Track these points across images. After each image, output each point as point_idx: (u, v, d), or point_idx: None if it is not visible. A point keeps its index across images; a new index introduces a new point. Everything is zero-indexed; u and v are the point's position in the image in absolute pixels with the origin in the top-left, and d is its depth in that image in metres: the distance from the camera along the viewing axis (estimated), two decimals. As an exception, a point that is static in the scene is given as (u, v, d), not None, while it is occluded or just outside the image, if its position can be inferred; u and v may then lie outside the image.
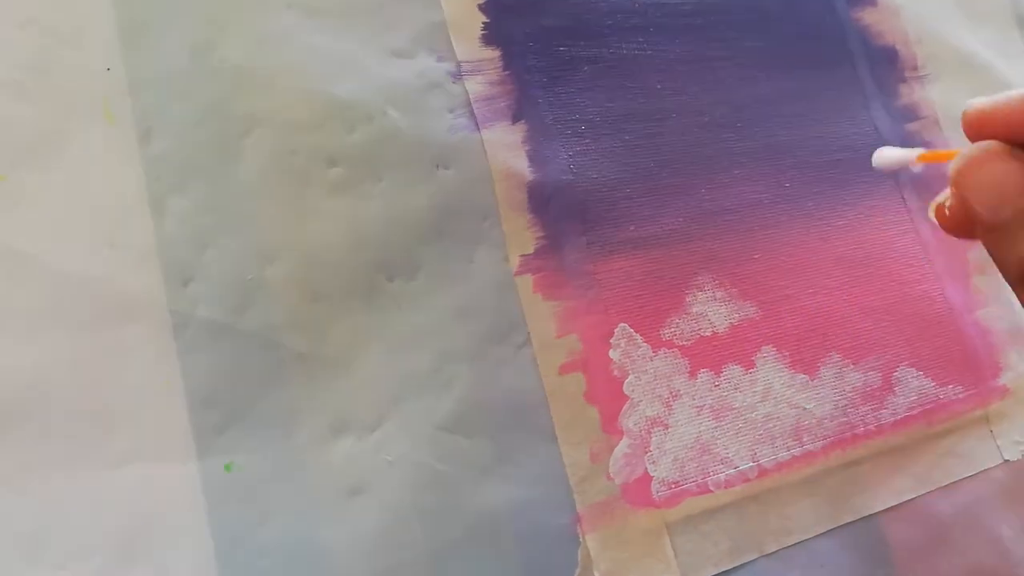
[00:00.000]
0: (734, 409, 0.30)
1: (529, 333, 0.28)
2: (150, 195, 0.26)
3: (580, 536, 0.27)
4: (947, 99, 0.39)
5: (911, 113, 0.38)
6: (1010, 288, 0.19)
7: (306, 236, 0.27)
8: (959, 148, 0.27)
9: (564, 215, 0.30)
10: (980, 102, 0.18)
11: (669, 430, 0.29)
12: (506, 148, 0.30)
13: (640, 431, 0.29)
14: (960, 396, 0.33)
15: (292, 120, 0.28)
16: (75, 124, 0.25)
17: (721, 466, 0.29)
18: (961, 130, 0.38)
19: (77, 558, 0.23)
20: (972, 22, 0.41)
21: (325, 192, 0.27)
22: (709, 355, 0.30)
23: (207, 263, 0.26)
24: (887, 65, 0.38)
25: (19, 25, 0.25)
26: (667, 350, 0.30)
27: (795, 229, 0.33)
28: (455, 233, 0.29)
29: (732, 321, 0.31)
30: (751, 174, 0.33)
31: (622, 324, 0.29)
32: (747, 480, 0.29)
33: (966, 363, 0.34)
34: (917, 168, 0.28)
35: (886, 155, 0.28)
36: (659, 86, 0.33)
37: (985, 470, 0.33)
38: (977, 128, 0.17)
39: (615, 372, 0.29)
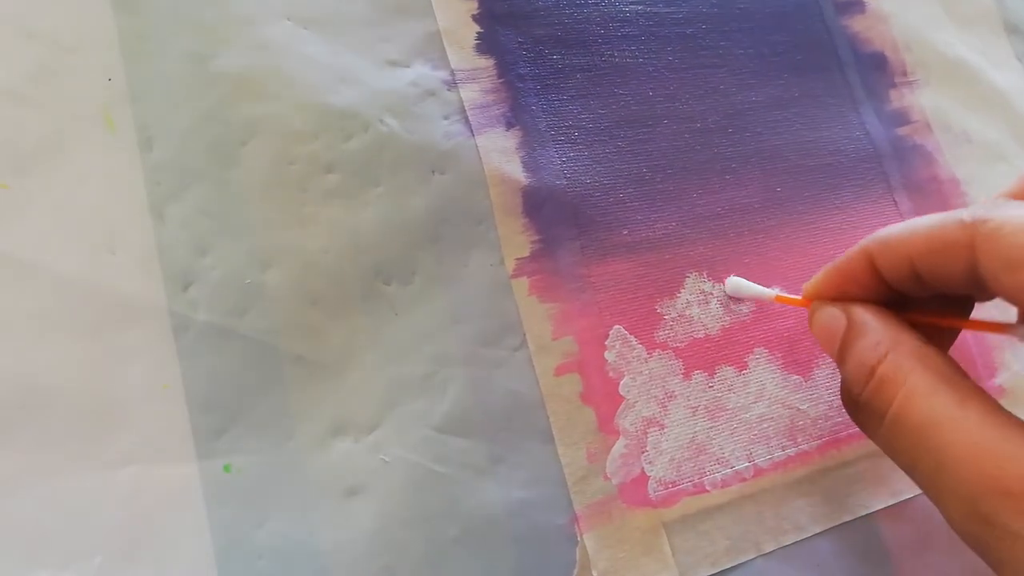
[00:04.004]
0: (728, 410, 0.30)
1: (525, 335, 0.29)
2: (150, 201, 0.26)
3: (578, 536, 0.27)
4: (937, 104, 0.39)
5: (902, 118, 0.38)
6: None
7: (304, 241, 0.27)
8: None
9: (558, 219, 0.30)
10: (810, 282, 0.26)
11: (665, 430, 0.29)
12: (500, 154, 0.30)
13: (636, 431, 0.29)
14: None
15: (290, 129, 0.28)
16: (76, 132, 0.26)
17: (717, 466, 0.29)
18: (952, 134, 0.38)
19: (78, 558, 0.23)
20: (960, 28, 0.41)
21: (323, 198, 0.28)
22: (702, 357, 0.31)
23: (207, 268, 0.26)
24: (876, 71, 0.38)
25: (21, 35, 0.26)
26: (661, 352, 0.30)
27: (786, 232, 0.33)
28: (451, 237, 0.29)
29: (724, 323, 0.31)
30: (742, 179, 0.34)
31: (616, 326, 0.30)
32: (743, 480, 0.30)
33: (961, 363, 0.34)
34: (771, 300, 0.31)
35: (742, 285, 0.31)
36: (651, 93, 0.34)
37: (981, 469, 0.33)
38: (813, 296, 0.25)
39: (610, 373, 0.29)
